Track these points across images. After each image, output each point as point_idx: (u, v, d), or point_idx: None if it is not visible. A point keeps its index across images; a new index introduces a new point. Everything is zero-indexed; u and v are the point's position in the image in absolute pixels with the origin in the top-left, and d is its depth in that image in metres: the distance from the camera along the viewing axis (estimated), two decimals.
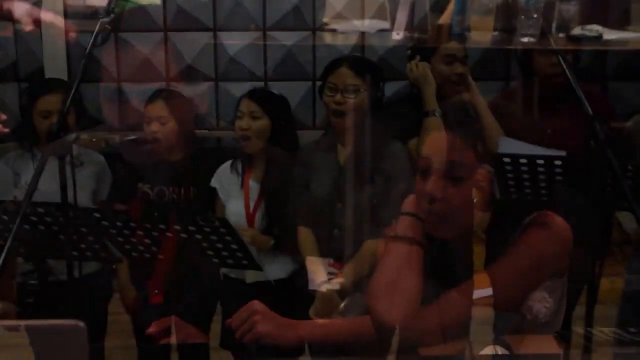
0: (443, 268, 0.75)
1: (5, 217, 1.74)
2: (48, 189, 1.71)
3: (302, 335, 0.70)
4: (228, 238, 1.71)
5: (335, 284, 1.73)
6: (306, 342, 0.72)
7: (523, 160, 1.88)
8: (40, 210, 1.69)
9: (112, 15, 1.54)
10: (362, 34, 4.66)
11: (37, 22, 4.20)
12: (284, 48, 4.48)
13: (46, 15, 4.23)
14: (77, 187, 1.73)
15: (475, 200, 2.40)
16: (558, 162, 1.78)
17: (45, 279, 2.09)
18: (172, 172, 2.20)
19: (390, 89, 2.44)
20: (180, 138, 2.19)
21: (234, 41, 4.31)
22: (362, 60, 2.19)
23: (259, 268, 1.80)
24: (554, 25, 1.55)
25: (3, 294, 2.04)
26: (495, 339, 2.27)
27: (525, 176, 1.87)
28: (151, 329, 1.79)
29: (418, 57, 2.08)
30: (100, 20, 1.51)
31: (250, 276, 2.01)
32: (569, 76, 1.35)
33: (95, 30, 1.49)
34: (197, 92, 4.34)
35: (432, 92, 2.01)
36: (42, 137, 2.08)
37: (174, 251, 1.76)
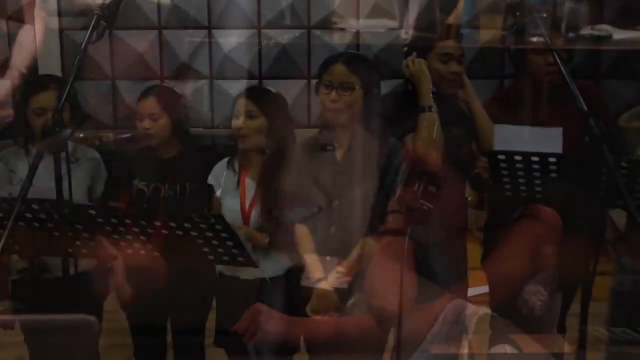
0: (434, 267, 0.76)
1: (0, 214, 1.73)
2: (43, 185, 1.70)
3: (306, 332, 0.71)
4: (224, 235, 1.70)
5: (333, 281, 1.73)
6: (309, 338, 0.73)
7: (518, 158, 1.89)
8: (35, 206, 1.68)
9: (107, 11, 1.52)
10: (357, 32, 4.66)
11: (31, 18, 4.19)
12: (279, 46, 4.48)
13: (39, 11, 4.22)
14: (72, 183, 1.72)
15: (469, 199, 2.42)
16: (553, 159, 1.79)
17: (40, 276, 2.08)
18: (166, 169, 2.20)
19: (385, 87, 2.44)
20: (173, 134, 2.19)
21: (229, 39, 4.31)
22: (358, 57, 2.19)
23: (255, 265, 1.79)
24: (563, 24, 1.56)
25: None
26: (495, 336, 2.29)
27: (520, 173, 1.88)
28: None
29: (414, 54, 2.08)
30: (96, 15, 1.50)
31: (246, 273, 2.01)
32: (564, 73, 1.36)
33: (91, 26, 1.48)
34: (192, 89, 4.34)
35: (427, 88, 2.02)
36: (36, 134, 2.07)
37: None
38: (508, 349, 0.69)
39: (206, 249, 1.80)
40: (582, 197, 1.73)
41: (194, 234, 1.75)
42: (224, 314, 2.13)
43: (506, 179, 1.89)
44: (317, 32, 4.39)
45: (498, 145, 1.90)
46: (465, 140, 2.16)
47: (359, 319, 0.65)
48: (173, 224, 1.75)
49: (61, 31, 4.37)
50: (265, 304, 1.42)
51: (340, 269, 1.81)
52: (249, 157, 2.01)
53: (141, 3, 4.27)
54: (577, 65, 2.00)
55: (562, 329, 2.23)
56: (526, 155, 1.91)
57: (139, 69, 4.31)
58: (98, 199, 2.18)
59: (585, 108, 1.36)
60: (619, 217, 2.28)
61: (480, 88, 2.26)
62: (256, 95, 1.98)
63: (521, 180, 1.88)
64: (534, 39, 1.81)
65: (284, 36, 4.46)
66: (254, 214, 1.95)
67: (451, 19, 2.29)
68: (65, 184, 1.63)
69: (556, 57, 1.39)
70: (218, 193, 2.00)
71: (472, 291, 2.33)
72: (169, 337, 2.29)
